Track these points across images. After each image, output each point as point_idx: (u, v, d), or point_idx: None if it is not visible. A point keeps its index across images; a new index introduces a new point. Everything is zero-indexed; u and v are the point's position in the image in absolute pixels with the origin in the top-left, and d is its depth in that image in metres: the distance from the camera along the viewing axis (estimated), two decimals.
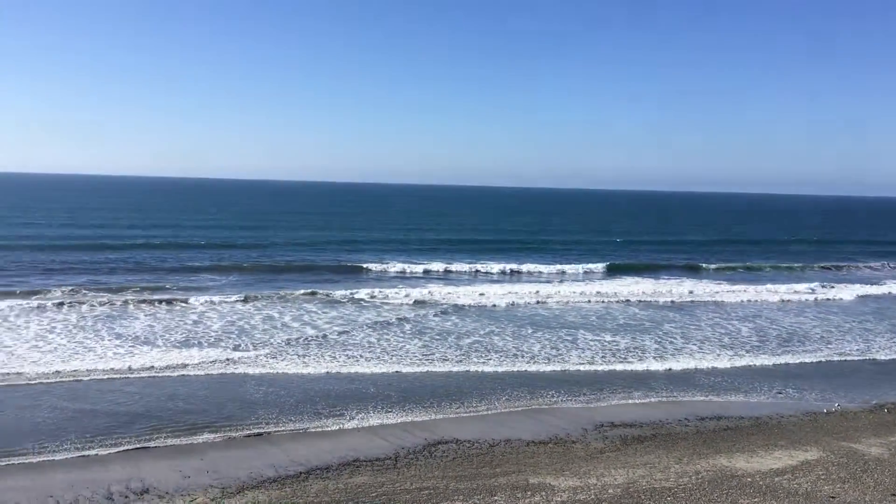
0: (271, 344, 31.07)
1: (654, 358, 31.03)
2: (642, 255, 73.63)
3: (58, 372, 25.71)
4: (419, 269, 57.59)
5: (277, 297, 42.21)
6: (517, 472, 17.30)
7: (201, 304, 39.19)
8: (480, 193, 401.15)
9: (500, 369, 28.41)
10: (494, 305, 42.58)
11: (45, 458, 18.30)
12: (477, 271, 58.28)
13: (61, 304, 37.55)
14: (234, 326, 34.35)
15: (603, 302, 45.27)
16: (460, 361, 29.33)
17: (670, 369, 29.38)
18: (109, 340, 30.67)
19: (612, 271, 60.58)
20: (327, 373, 27.05)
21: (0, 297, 38.43)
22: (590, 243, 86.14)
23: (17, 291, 40.28)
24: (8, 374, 25.27)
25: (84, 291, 41.12)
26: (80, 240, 69.28)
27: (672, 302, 46.16)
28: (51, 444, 19.19)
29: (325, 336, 32.90)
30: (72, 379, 25.14)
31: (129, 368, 26.62)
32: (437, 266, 58.79)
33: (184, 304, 38.96)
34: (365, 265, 57.70)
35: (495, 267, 59.69)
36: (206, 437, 20.22)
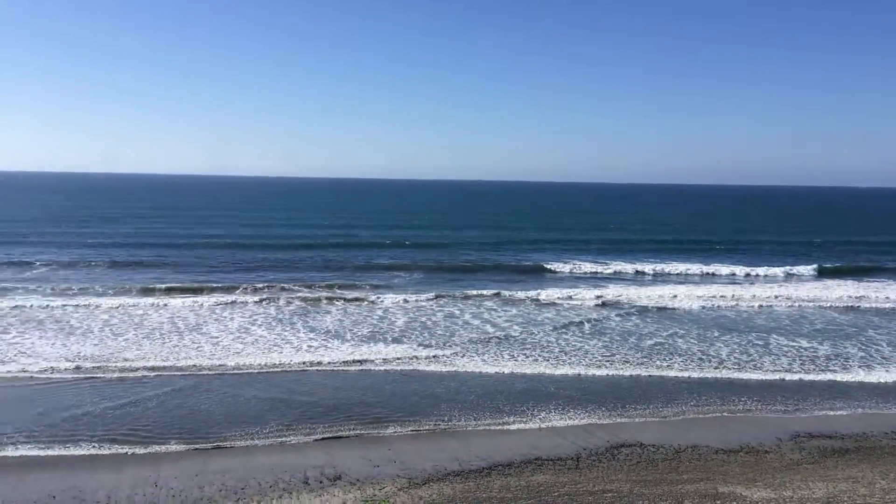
0: (453, 341, 31.75)
1: (860, 367, 28.75)
2: (847, 256, 68.26)
3: (260, 364, 27.64)
4: (602, 269, 56.62)
5: (461, 296, 42.97)
6: (705, 480, 16.61)
7: (387, 301, 40.66)
8: (658, 191, 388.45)
9: (684, 374, 27.41)
10: (678, 308, 41.13)
11: (249, 444, 19.73)
12: (662, 272, 56.48)
13: (261, 300, 40.26)
14: (417, 323, 35.39)
15: (797, 305, 42.48)
16: (642, 364, 28.60)
17: (876, 380, 27.10)
18: (304, 333, 32.57)
19: (822, 274, 56.67)
20: (511, 373, 27.21)
21: (206, 292, 41.86)
22: (787, 244, 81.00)
23: (220, 286, 43.61)
24: (216, 364, 27.46)
25: (280, 287, 43.89)
26: (270, 239, 74.07)
27: (877, 307, 42.52)
28: (253, 431, 20.66)
29: (506, 336, 33.15)
30: (271, 370, 26.95)
31: (320, 362, 28.12)
32: (620, 267, 57.52)
33: (370, 301, 40.59)
34: (548, 265, 57.50)
35: (681, 268, 57.60)
36: (394, 429, 20.98)
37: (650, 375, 27.19)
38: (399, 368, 27.50)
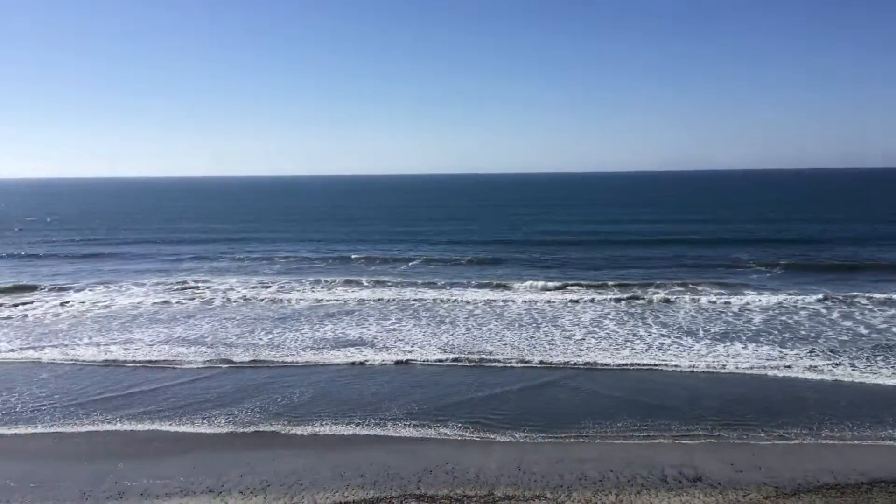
0: (820, 344, 29.13)
1: None
2: None
3: (611, 361, 27.88)
4: None
5: (836, 297, 39.00)
6: None
7: (746, 298, 38.54)
8: None
9: None
10: None
11: (604, 437, 19.99)
12: None
13: (612, 296, 40.49)
14: (777, 322, 33.06)
15: None
16: None
17: None
18: (656, 329, 32.17)
19: None
20: (894, 385, 24.25)
21: (562, 288, 43.16)
22: None
23: (579, 283, 44.66)
24: (569, 359, 28.24)
25: (624, 282, 43.77)
26: (605, 235, 74.32)
27: None
28: (606, 424, 20.90)
29: (887, 343, 29.57)
30: (622, 367, 27.02)
31: (667, 363, 27.54)
32: None
33: (726, 299, 38.76)
34: None
35: None
36: (757, 434, 19.84)
37: None
38: (753, 372, 25.92)
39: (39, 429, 21.39)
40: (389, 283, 45.90)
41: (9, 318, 36.95)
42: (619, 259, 55.80)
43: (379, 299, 40.32)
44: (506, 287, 43.67)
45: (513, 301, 39.17)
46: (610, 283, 44.13)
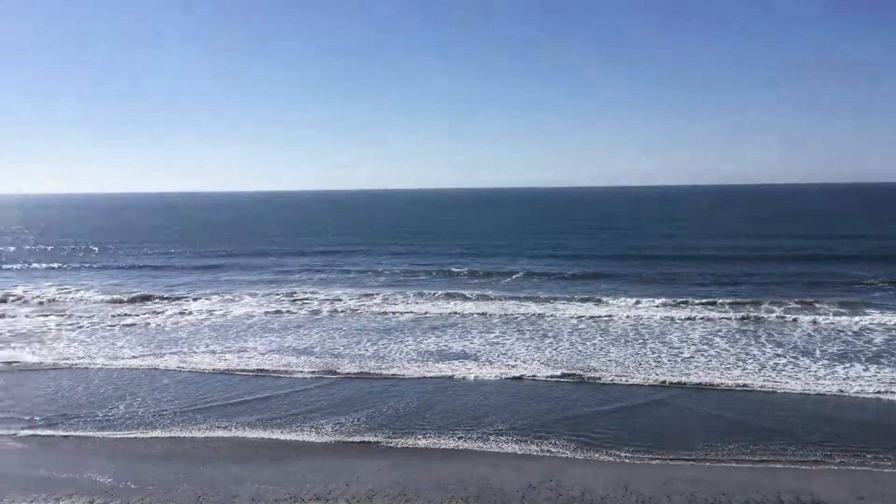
0: None
1: None
2: None
3: (721, 382, 27.00)
4: None
5: None
6: None
7: (870, 318, 36.61)
8: None
9: None
10: None
11: (714, 459, 19.37)
12: None
13: (724, 315, 39.22)
14: None
15: None
16: None
17: None
18: (770, 348, 30.96)
19: None
20: None
21: (672, 304, 42.12)
22: None
23: (690, 301, 43.46)
24: (678, 379, 27.51)
25: (734, 300, 42.28)
26: (704, 250, 71.74)
27: None
28: (717, 446, 20.24)
29: None
30: (734, 388, 26.12)
31: (780, 385, 26.42)
32: None
33: (845, 316, 36.92)
34: None
35: None
36: (879, 461, 18.79)
37: None
38: (875, 396, 24.51)
39: (158, 433, 22.44)
40: (492, 297, 45.95)
41: (133, 325, 39.01)
42: (729, 275, 53.82)
43: (482, 312, 40.41)
44: (610, 302, 42.92)
45: (618, 316, 38.48)
46: (720, 300, 42.70)
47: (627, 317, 38.47)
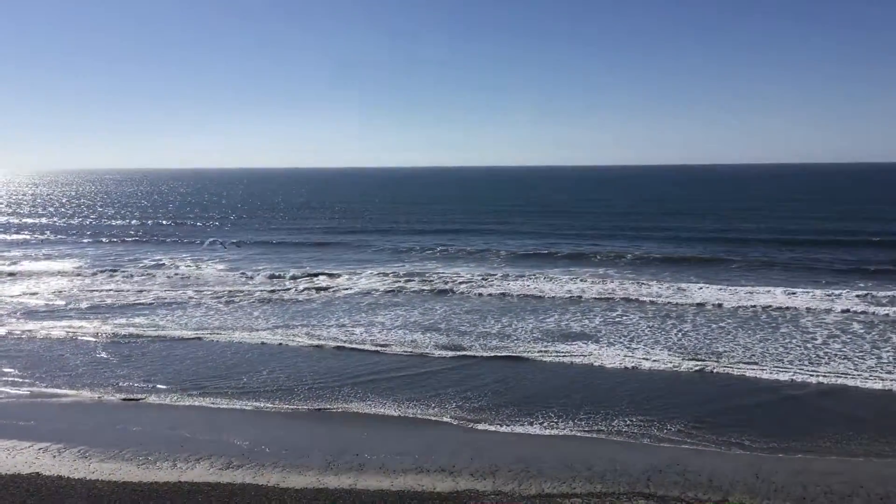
0: None
1: None
2: None
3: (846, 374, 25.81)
4: None
5: None
6: None
7: None
8: None
9: None
10: None
11: (852, 453, 18.69)
12: None
13: (868, 303, 37.31)
14: None
15: None
16: None
17: None
18: None
19: None
20: None
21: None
22: None
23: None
24: (827, 370, 26.50)
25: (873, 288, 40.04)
26: (829, 235, 66.84)
27: None
28: (853, 439, 19.52)
29: None
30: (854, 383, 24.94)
31: None
32: None
33: None
34: None
35: None
36: None
37: None
38: None
39: (293, 404, 23.48)
40: (614, 277, 45.44)
41: (267, 300, 40.78)
42: (870, 260, 50.75)
43: (603, 294, 40.01)
44: (736, 285, 41.53)
45: (747, 303, 37.04)
46: (860, 283, 40.62)
47: (758, 303, 36.96)
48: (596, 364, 27.16)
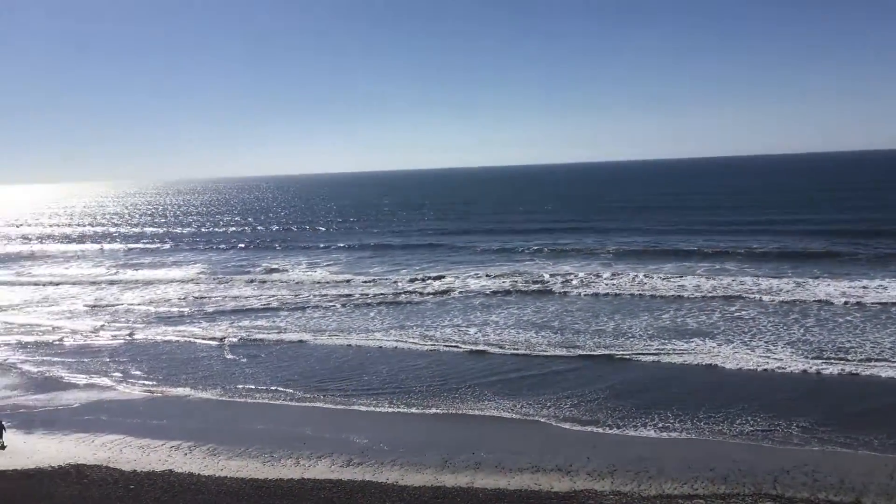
0: None
1: None
2: None
3: None
4: None
5: None
6: None
7: None
8: None
9: None
10: None
11: None
12: None
13: None
14: None
15: None
16: None
17: None
18: None
19: None
20: None
21: None
22: None
23: None
24: None
25: None
26: None
27: None
28: None
29: None
30: None
31: None
32: None
33: None
34: None
35: None
36: None
37: None
38: None
39: (411, 407, 23.83)
40: (730, 271, 44.00)
41: (381, 303, 41.30)
42: None
43: (717, 289, 38.80)
44: (861, 280, 39.23)
45: (875, 298, 35.06)
46: None
47: (886, 298, 34.93)
48: (714, 363, 26.43)
